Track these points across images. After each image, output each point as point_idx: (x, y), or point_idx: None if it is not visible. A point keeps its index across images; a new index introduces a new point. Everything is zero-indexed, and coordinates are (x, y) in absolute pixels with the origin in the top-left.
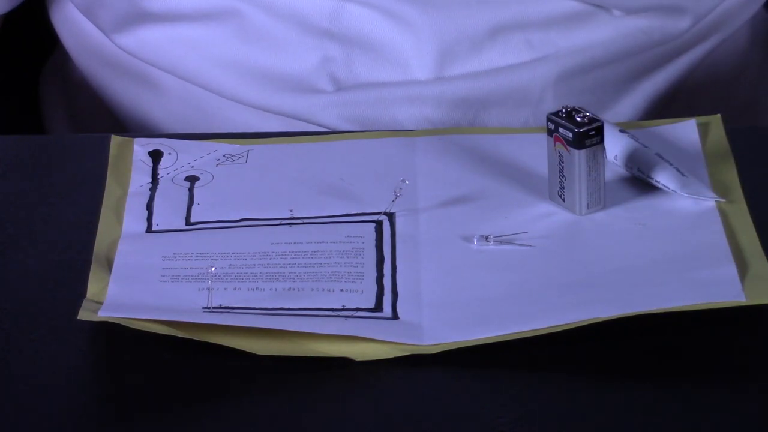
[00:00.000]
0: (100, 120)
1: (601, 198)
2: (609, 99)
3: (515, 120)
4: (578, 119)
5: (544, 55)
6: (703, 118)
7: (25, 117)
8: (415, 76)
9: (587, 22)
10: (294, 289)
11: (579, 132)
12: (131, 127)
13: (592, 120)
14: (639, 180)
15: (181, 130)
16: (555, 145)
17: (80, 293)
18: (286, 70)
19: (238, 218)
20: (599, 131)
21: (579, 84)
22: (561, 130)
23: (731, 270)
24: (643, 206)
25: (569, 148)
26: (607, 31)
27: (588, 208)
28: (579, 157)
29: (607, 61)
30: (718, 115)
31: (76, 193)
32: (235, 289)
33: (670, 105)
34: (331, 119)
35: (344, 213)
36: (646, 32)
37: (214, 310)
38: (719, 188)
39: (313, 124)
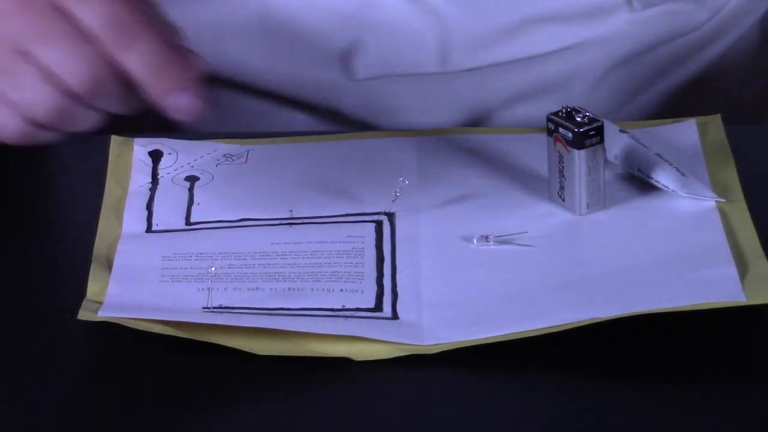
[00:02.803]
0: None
1: (601, 198)
2: (627, 97)
3: (539, 112)
4: (578, 119)
5: (567, 46)
6: (703, 118)
7: None
8: (441, 68)
9: (609, 14)
10: (294, 289)
11: (579, 132)
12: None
13: (592, 120)
14: (639, 180)
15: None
16: (555, 145)
17: (80, 293)
18: (311, 55)
19: (238, 218)
20: (599, 131)
21: (602, 77)
22: (561, 130)
23: (731, 270)
24: (643, 206)
25: (569, 148)
26: (629, 24)
27: (588, 208)
28: (579, 157)
29: (629, 55)
30: (718, 114)
31: (76, 193)
32: (235, 289)
33: (682, 103)
34: (353, 108)
35: (344, 213)
36: (668, 23)
37: (214, 310)
38: (719, 188)
39: (333, 110)
